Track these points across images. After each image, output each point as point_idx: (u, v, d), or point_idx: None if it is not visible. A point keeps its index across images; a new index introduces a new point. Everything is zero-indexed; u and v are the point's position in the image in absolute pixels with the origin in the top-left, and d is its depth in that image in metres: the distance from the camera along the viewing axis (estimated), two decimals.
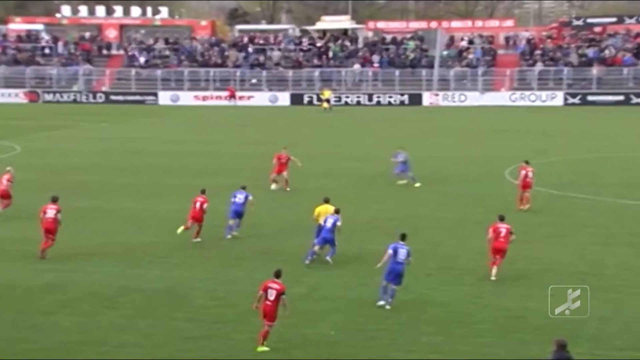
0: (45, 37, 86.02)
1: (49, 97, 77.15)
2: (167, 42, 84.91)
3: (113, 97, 77.13)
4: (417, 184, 32.83)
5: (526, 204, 28.44)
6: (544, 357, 13.29)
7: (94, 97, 77.34)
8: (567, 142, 46.45)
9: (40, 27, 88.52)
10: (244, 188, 25.20)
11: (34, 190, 32.58)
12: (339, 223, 21.87)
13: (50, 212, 22.56)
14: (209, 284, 20.25)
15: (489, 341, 16.54)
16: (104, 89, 78.66)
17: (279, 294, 16.02)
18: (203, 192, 24.88)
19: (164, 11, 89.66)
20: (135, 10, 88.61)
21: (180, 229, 24.36)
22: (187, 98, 76.37)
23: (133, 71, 79.33)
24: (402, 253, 18.47)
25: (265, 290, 16.13)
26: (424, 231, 25.31)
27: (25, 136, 50.05)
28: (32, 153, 43.12)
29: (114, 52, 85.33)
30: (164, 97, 76.69)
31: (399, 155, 33.36)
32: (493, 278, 20.41)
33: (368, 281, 20.20)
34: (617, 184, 33.29)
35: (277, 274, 16.35)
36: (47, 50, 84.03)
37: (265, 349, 16.07)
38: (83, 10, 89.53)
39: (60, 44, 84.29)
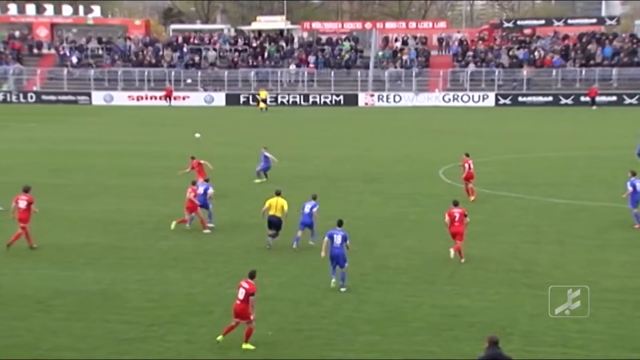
0: None
1: None
2: (100, 41, 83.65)
3: (45, 97, 75.65)
4: (257, 181, 33.50)
5: (471, 195, 29.89)
6: (477, 354, 13.52)
7: (25, 97, 75.73)
8: (499, 142, 47.30)
9: None
10: (207, 180, 26.41)
11: None
12: (315, 209, 23.05)
13: (22, 203, 23.27)
14: (145, 286, 20.05)
15: (423, 339, 16.76)
16: (35, 88, 77.10)
17: (248, 294, 16.11)
18: (194, 183, 25.71)
19: (96, 10, 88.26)
20: (67, 9, 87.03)
21: (173, 224, 25.22)
22: (121, 98, 75.38)
23: (65, 71, 77.94)
24: (338, 238, 19.62)
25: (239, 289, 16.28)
26: (360, 231, 25.48)
27: None
28: None
29: (45, 51, 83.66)
30: (98, 97, 75.56)
31: (263, 153, 33.88)
32: (462, 260, 21.92)
33: (305, 281, 20.25)
34: (547, 183, 34.04)
35: (251, 275, 16.44)
36: None
37: (250, 347, 16.14)
38: (12, 8, 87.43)
39: None
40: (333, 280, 19.78)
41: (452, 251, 22.05)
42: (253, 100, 72.16)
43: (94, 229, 25.79)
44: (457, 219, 21.97)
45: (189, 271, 21.29)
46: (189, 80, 77.34)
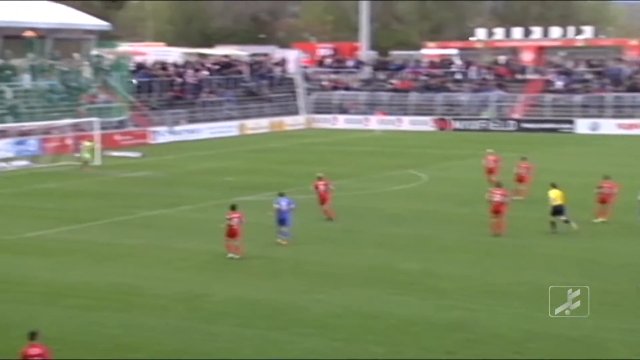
0: (458, 62, 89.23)
1: (458, 124, 79.77)
2: (589, 64, 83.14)
3: (525, 125, 77.33)
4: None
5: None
6: None
7: (505, 125, 78.26)
8: None
9: (453, 51, 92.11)
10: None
11: (438, 221, 33.77)
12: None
13: (497, 197, 29.75)
14: (629, 336, 19.13)
15: None
16: (515, 116, 79.31)
17: None
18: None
19: (587, 31, 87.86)
20: (555, 31, 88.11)
21: None
22: (609, 126, 73.90)
23: (548, 97, 78.89)
24: None
25: None
26: None
27: (432, 165, 52.14)
28: (437, 183, 44.71)
29: (529, 76, 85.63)
30: (582, 126, 75.03)
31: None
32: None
33: None
34: None
35: None
36: (458, 76, 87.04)
37: None
38: (499, 32, 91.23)
39: (472, 69, 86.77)
40: None
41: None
42: None
43: (571, 269, 25.45)
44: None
45: None
46: None
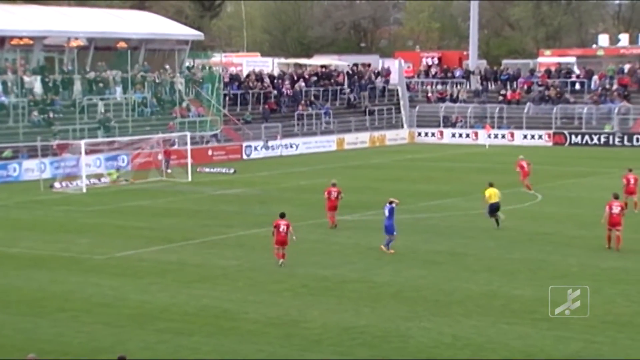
0: (577, 71, 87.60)
1: (576, 139, 78.29)
2: None
3: None
4: None
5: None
6: None
7: (629, 140, 76.43)
8: None
9: (572, 59, 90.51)
10: None
11: (554, 244, 33.27)
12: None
13: (615, 209, 30.75)
14: None
15: None
16: None
17: None
18: None
19: None
20: None
21: None
22: None
23: None
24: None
25: None
26: None
27: (547, 183, 51.29)
28: (553, 202, 43.96)
29: None
30: None
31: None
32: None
33: None
34: None
35: None
36: (577, 86, 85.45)
37: None
38: (624, 39, 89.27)
39: (594, 79, 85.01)
40: None
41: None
42: None
43: None
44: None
45: None
46: None
